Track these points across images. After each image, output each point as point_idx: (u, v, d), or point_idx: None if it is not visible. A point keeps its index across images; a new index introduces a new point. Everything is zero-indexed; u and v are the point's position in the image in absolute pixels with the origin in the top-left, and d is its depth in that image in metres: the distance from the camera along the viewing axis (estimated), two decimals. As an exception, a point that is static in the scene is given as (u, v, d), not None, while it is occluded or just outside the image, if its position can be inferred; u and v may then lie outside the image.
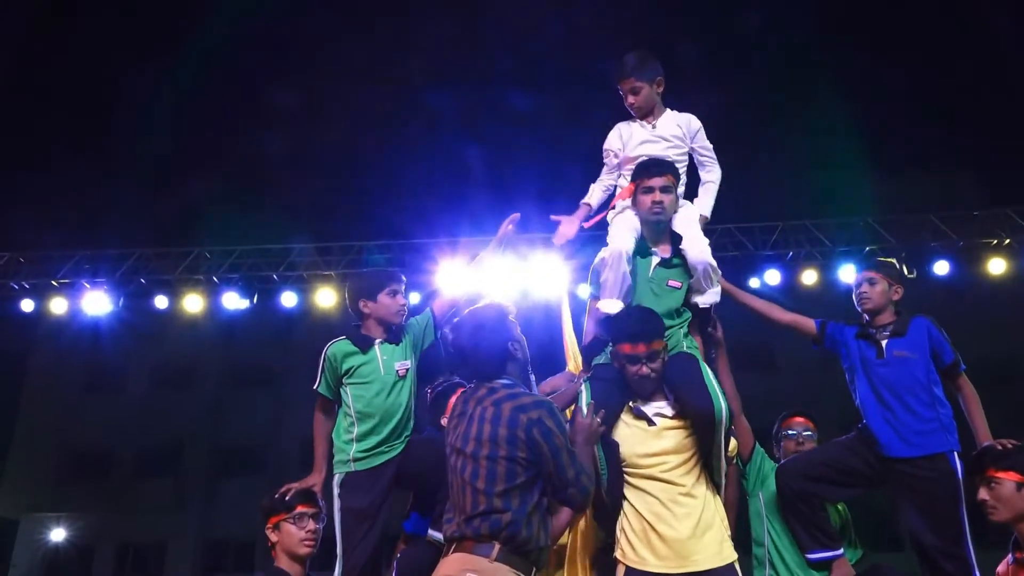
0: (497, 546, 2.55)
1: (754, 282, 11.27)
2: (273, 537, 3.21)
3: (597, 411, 2.92)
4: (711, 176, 3.71)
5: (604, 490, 2.96)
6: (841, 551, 3.56)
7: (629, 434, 3.01)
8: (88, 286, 11.17)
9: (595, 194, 3.77)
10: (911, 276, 10.96)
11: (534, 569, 2.63)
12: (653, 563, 2.84)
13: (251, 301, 11.42)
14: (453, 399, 3.55)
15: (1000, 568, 3.01)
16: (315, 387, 3.57)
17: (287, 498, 3.25)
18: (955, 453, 3.45)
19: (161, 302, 11.39)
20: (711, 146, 3.71)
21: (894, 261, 3.93)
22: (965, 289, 11.76)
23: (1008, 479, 2.87)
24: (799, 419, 3.96)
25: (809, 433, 3.92)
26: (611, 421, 3.02)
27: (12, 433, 20.08)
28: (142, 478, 20.52)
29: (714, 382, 3.03)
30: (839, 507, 3.83)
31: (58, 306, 11.26)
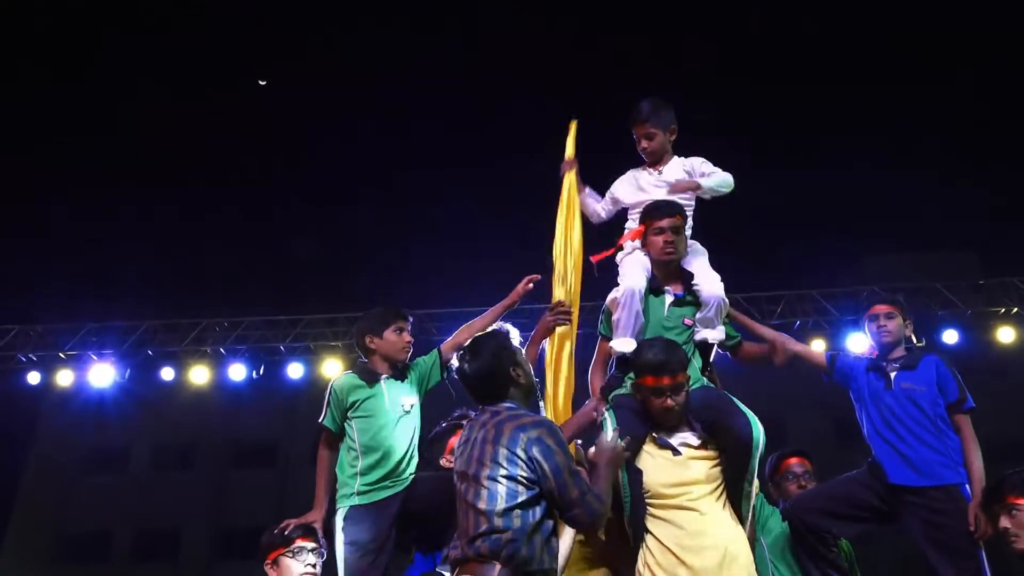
0: (498, 566, 2.49)
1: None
2: (272, 573, 3.15)
3: (622, 437, 2.88)
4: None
5: (627, 519, 2.90)
6: None
7: (654, 465, 2.98)
8: (95, 358, 11.20)
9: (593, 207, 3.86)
10: (920, 344, 10.92)
11: None
12: None
13: (257, 373, 11.40)
14: (452, 440, 3.57)
15: None
16: (320, 420, 3.58)
17: (287, 532, 3.20)
18: (967, 486, 3.40)
19: (167, 374, 11.38)
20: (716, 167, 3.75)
21: (900, 298, 3.93)
22: (977, 358, 11.67)
23: None
24: (796, 459, 3.93)
25: (809, 473, 3.87)
26: (635, 450, 2.99)
27: (11, 511, 19.71)
28: (141, 561, 20.01)
29: (746, 408, 3.01)
30: (844, 545, 3.75)
31: (64, 378, 11.27)
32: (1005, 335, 11.44)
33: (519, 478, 2.57)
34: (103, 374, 11.12)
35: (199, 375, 11.33)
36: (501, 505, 2.55)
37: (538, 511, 2.59)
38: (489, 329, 3.48)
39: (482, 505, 2.58)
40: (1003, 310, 11.59)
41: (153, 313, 11.42)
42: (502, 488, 2.57)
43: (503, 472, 2.58)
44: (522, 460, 2.58)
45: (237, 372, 11.33)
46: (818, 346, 11.68)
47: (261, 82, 12.38)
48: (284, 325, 11.50)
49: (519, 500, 2.56)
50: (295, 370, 11.41)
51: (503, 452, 2.60)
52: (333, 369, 11.23)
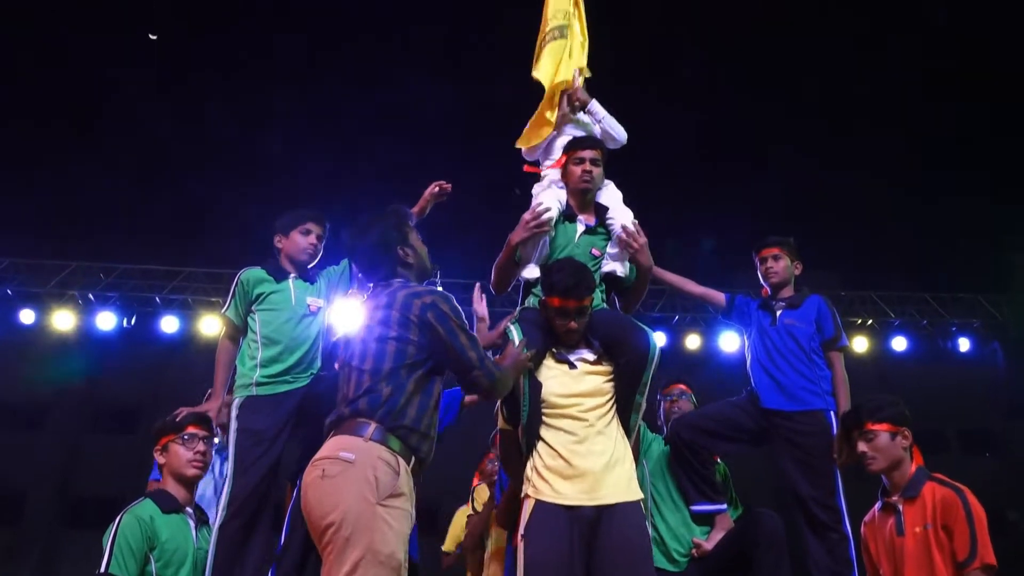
0: (373, 425, 2.42)
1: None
2: (161, 459, 3.13)
3: (527, 349, 2.98)
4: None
5: (523, 427, 3.02)
6: (724, 506, 3.73)
7: (550, 377, 3.11)
8: (-55, 293, 10.38)
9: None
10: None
11: (414, 458, 2.48)
12: (567, 495, 2.90)
13: (128, 322, 10.86)
14: None
15: (867, 517, 3.19)
16: (224, 311, 3.53)
17: (178, 419, 3.14)
18: (832, 412, 3.73)
19: (27, 316, 10.67)
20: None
21: (790, 239, 4.18)
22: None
23: (883, 430, 3.11)
24: (678, 386, 4.17)
25: (686, 396, 4.11)
26: (536, 363, 3.10)
27: None
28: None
29: (645, 326, 3.18)
30: (721, 467, 4.00)
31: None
32: (859, 345, 12.34)
33: (410, 340, 2.52)
34: (-47, 311, 10.33)
35: (63, 320, 10.68)
36: (388, 364, 2.50)
37: (425, 375, 2.54)
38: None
39: (367, 365, 2.51)
40: (859, 321, 12.56)
41: (17, 250, 10.65)
42: (391, 348, 2.51)
43: (393, 334, 2.52)
44: (415, 324, 2.53)
45: (105, 321, 10.76)
46: (694, 341, 12.36)
47: (152, 36, 11.94)
48: (161, 276, 11.00)
49: (406, 361, 2.50)
50: (169, 324, 10.93)
51: (395, 316, 2.54)
52: (211, 327, 10.82)
